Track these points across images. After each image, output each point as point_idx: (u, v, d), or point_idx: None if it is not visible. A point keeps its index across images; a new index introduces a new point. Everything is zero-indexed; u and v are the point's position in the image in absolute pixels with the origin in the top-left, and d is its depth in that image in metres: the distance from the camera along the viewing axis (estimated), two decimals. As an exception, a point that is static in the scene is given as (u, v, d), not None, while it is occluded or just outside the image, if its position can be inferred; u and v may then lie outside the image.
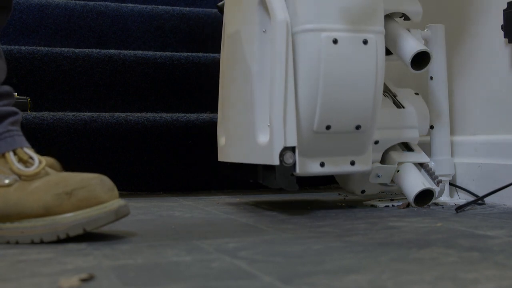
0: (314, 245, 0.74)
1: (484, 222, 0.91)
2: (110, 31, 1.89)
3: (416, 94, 1.24)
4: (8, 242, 0.79)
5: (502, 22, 1.17)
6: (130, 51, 1.71)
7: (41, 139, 1.38)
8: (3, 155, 0.83)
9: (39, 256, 0.70)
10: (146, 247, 0.74)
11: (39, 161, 0.83)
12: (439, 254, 0.67)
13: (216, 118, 1.44)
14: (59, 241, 0.78)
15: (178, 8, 1.98)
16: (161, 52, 1.74)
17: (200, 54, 1.75)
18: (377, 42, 1.00)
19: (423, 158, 1.16)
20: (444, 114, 1.24)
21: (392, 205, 1.15)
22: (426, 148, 1.25)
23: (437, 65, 1.24)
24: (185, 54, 1.74)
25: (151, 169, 1.47)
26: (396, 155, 1.15)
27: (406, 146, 1.18)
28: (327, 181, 1.60)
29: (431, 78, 1.25)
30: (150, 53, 1.72)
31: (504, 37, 1.17)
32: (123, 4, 1.94)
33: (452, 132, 1.29)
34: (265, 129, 1.03)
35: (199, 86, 1.73)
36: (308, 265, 0.62)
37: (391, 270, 0.59)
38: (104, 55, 1.67)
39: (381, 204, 1.15)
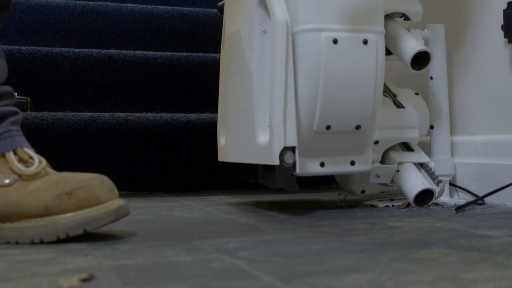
0: (314, 245, 0.74)
1: (484, 222, 0.91)
2: (110, 31, 1.89)
3: (416, 94, 1.24)
4: (8, 242, 0.79)
5: (502, 22, 1.17)
6: (130, 51, 1.71)
7: (41, 139, 1.38)
8: (3, 155, 0.83)
9: (39, 256, 0.70)
10: (146, 247, 0.74)
11: (39, 161, 0.83)
12: (439, 254, 0.67)
13: (216, 118, 1.44)
14: (59, 241, 0.78)
15: (178, 8, 1.98)
16: (161, 52, 1.74)
17: (200, 54, 1.75)
18: (377, 42, 1.00)
19: (423, 158, 1.16)
20: (444, 114, 1.24)
21: (392, 205, 1.15)
22: (426, 148, 1.25)
23: (437, 65, 1.24)
24: (185, 54, 1.74)
25: (151, 169, 1.47)
26: (396, 155, 1.15)
27: (406, 146, 1.18)
28: (327, 181, 1.60)
29: (431, 78, 1.25)
30: (150, 53, 1.72)
31: (504, 37, 1.17)
32: (123, 4, 1.94)
33: (452, 132, 1.29)
34: (265, 129, 1.03)
35: (199, 86, 1.73)
36: (308, 265, 0.62)
37: (391, 270, 0.59)
38: (104, 55, 1.67)
39: (381, 204, 1.15)
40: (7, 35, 1.78)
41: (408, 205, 1.13)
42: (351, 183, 1.21)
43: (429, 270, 0.59)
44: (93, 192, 0.78)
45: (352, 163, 1.04)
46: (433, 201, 1.13)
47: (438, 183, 1.13)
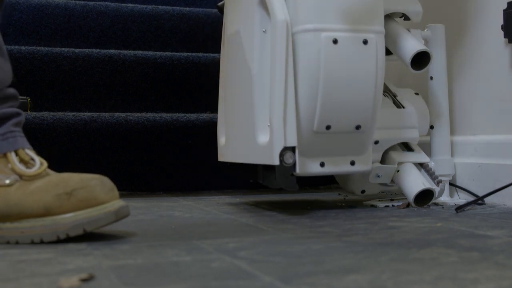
0: (314, 245, 0.74)
1: (484, 222, 0.91)
2: (110, 31, 1.89)
3: (416, 94, 1.24)
4: (8, 242, 0.79)
5: (502, 22, 1.17)
6: (130, 51, 1.71)
7: (41, 139, 1.38)
8: (5, 155, 0.83)
9: (39, 256, 0.70)
10: (146, 247, 0.74)
11: (40, 163, 0.83)
12: (439, 254, 0.67)
13: (216, 118, 1.44)
14: (59, 241, 0.78)
15: (178, 8, 1.98)
16: (161, 52, 1.74)
17: (200, 54, 1.75)
18: (377, 42, 1.00)
19: (423, 158, 1.16)
20: (444, 114, 1.24)
21: (392, 205, 1.15)
22: (426, 148, 1.25)
23: (437, 65, 1.24)
24: (185, 54, 1.74)
25: (151, 169, 1.47)
26: (396, 155, 1.15)
27: (406, 146, 1.18)
28: (327, 181, 1.60)
29: (431, 78, 1.25)
30: (150, 53, 1.72)
31: (504, 37, 1.17)
32: (123, 4, 1.94)
33: (452, 132, 1.29)
34: (265, 129, 1.03)
35: (199, 86, 1.73)
36: (308, 265, 0.62)
37: (391, 270, 0.59)
38: (104, 55, 1.67)
39: (381, 204, 1.15)
40: (7, 35, 1.77)
41: (408, 205, 1.13)
42: (351, 183, 1.21)
43: (429, 270, 0.59)
44: (93, 192, 0.78)
45: (352, 163, 1.04)
46: (433, 201, 1.13)
47: (438, 183, 1.13)
